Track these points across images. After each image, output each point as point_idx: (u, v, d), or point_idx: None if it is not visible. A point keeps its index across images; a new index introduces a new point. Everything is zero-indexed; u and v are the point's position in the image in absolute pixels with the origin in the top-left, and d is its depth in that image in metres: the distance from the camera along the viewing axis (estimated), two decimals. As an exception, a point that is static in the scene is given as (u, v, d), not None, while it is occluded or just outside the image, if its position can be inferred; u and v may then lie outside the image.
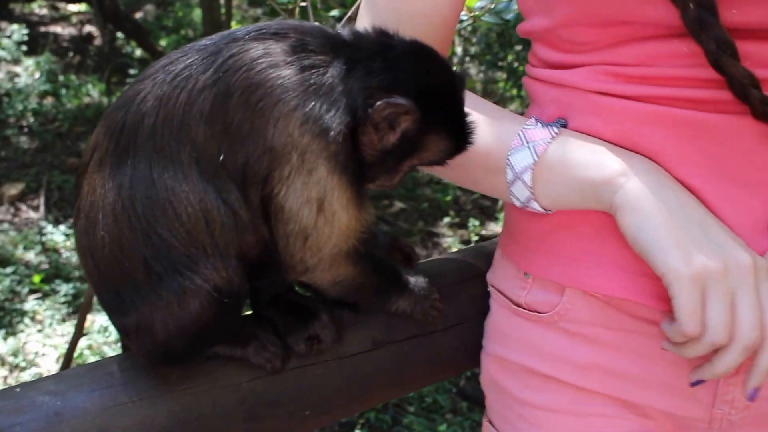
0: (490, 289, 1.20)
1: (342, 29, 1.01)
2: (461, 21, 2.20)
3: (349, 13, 2.09)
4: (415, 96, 0.93)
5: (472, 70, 6.40)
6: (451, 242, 5.53)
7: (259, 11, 6.62)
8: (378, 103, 0.92)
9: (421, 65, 0.97)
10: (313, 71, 0.93)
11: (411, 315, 1.10)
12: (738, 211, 0.95)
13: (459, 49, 5.88)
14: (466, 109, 1.00)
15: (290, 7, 2.13)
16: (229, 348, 1.02)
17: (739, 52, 0.89)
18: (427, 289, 1.11)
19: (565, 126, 1.01)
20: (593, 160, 0.96)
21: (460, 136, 1.00)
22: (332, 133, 0.93)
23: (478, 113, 1.04)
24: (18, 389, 0.96)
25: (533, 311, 1.10)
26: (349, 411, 1.17)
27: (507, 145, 1.00)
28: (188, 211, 0.91)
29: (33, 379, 0.99)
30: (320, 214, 0.96)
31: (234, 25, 7.09)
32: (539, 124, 1.00)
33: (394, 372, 1.13)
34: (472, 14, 2.12)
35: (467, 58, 6.15)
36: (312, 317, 1.06)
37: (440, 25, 1.11)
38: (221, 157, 0.92)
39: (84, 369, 0.99)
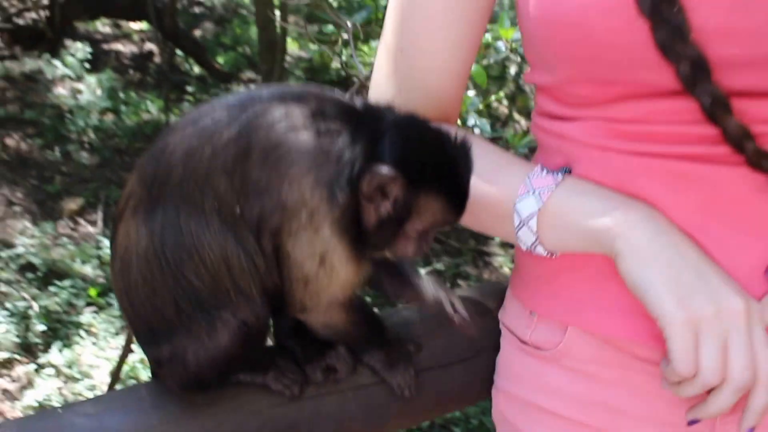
0: (501, 326, 1.26)
1: (356, 98, 1.08)
2: (499, 51, 2.29)
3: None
4: (402, 164, 0.98)
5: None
6: (502, 261, 5.57)
7: (314, 27, 6.73)
8: (365, 176, 0.98)
9: (411, 135, 1.02)
10: (327, 137, 1.00)
11: (379, 375, 1.16)
12: (735, 257, 1.00)
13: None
14: (474, 166, 1.05)
15: (333, 38, 2.24)
16: (251, 375, 1.10)
17: (733, 109, 0.94)
18: (404, 363, 1.17)
19: (569, 173, 1.06)
20: (595, 208, 1.01)
21: (455, 198, 1.04)
22: (338, 200, 1.00)
23: (487, 160, 1.10)
24: (60, 410, 1.06)
25: (537, 348, 1.16)
26: (364, 438, 1.24)
27: (514, 192, 1.06)
28: (211, 258, 1.00)
29: (73, 402, 1.09)
30: (321, 267, 1.03)
31: (289, 42, 7.20)
32: (545, 171, 1.05)
33: (406, 402, 1.19)
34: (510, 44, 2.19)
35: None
36: (330, 348, 1.14)
37: (451, 79, 1.18)
38: (239, 209, 1.00)
39: (118, 393, 1.09)
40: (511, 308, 1.24)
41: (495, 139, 3.72)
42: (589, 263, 1.08)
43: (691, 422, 1.01)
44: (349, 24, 2.01)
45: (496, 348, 1.25)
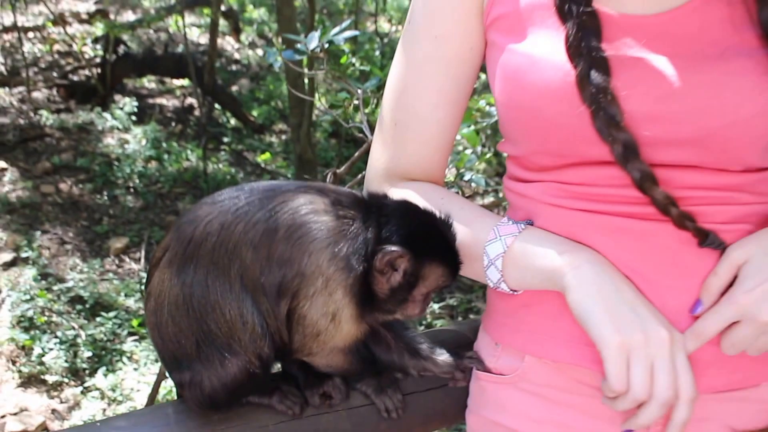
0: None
1: (364, 193, 1.21)
2: (492, 115, 2.38)
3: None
4: (407, 243, 1.11)
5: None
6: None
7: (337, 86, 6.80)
8: (378, 254, 1.11)
9: (410, 217, 1.15)
10: (343, 221, 1.12)
11: (370, 400, 1.25)
12: (665, 297, 1.08)
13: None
14: (454, 219, 1.17)
15: (346, 103, 2.34)
16: (259, 397, 1.20)
17: (659, 178, 1.03)
18: (392, 389, 1.26)
19: (531, 224, 1.16)
20: (549, 252, 1.10)
21: (451, 263, 1.17)
22: (352, 270, 1.11)
23: (465, 212, 1.20)
24: (98, 424, 1.15)
25: (500, 374, 1.23)
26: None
27: (485, 237, 1.15)
28: (231, 314, 1.11)
29: (108, 417, 1.19)
30: (332, 323, 1.14)
31: (317, 99, 7.24)
32: (510, 222, 1.15)
33: (393, 421, 1.26)
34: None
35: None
36: (328, 378, 1.24)
37: (437, 149, 1.28)
38: (262, 277, 1.11)
39: (147, 410, 1.19)
40: (482, 340, 1.31)
41: (488, 191, 3.81)
42: (544, 301, 1.16)
43: None
44: (359, 91, 2.11)
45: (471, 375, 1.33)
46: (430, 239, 1.16)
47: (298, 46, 2.07)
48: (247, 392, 1.18)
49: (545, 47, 1.08)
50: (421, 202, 1.18)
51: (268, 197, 1.14)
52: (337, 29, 2.06)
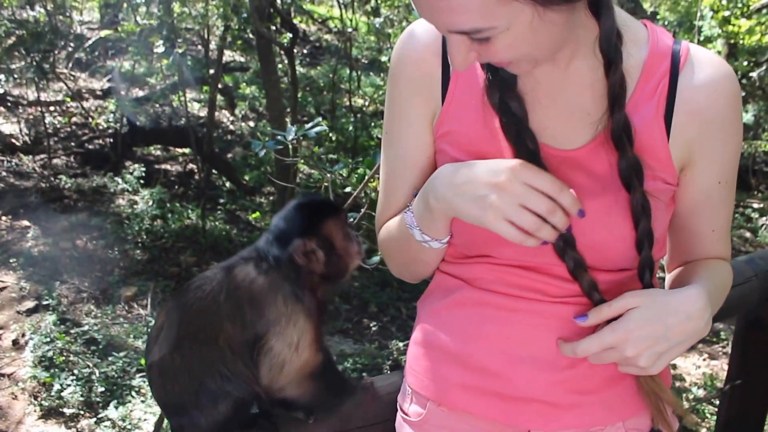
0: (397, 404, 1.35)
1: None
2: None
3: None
4: (292, 233, 1.23)
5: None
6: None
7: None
8: (293, 257, 1.21)
9: (294, 219, 1.26)
10: (268, 270, 1.22)
11: (343, 404, 1.37)
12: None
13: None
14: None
15: (318, 183, 2.58)
16: (241, 429, 1.31)
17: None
18: (365, 386, 1.40)
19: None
20: (420, 198, 1.12)
21: (329, 209, 1.28)
22: (297, 297, 1.21)
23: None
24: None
25: (410, 417, 1.26)
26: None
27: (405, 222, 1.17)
28: (227, 374, 1.22)
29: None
30: (295, 352, 1.22)
31: (300, 164, 7.27)
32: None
33: None
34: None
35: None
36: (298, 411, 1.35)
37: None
38: (243, 337, 1.21)
39: None
40: (403, 387, 1.33)
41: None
42: (443, 348, 1.19)
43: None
44: (328, 175, 2.34)
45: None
46: (309, 216, 1.26)
47: (279, 137, 2.30)
48: (234, 427, 1.29)
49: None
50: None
51: (223, 280, 1.24)
52: (310, 125, 2.29)
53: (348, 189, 2.80)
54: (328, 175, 2.32)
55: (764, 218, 7.90)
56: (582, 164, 1.08)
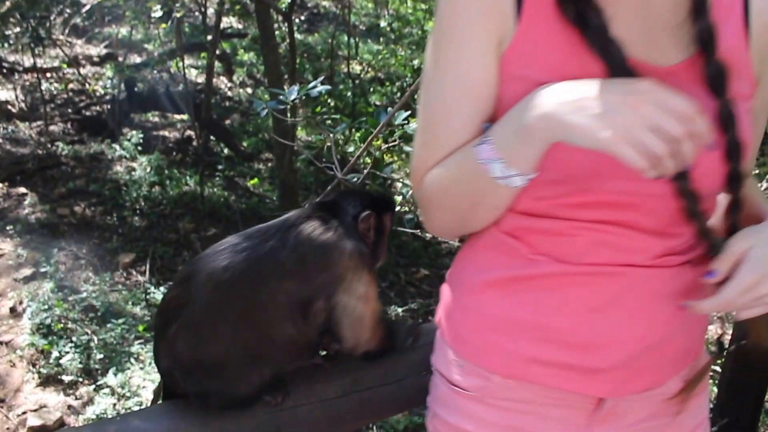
0: (433, 368, 1.25)
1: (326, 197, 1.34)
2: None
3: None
4: (370, 207, 1.31)
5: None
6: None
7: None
8: (360, 217, 1.29)
9: (363, 199, 1.34)
10: (333, 226, 1.25)
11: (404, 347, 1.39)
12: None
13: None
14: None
15: (320, 144, 2.45)
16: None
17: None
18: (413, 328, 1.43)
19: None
20: (513, 117, 0.97)
21: (391, 208, 1.38)
22: (362, 253, 1.25)
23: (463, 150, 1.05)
24: (118, 418, 1.25)
25: (465, 390, 1.16)
26: (331, 436, 1.38)
27: (475, 157, 1.01)
28: (279, 334, 1.23)
29: (129, 412, 1.27)
30: (366, 304, 1.24)
31: (299, 131, 7.23)
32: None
33: (359, 410, 1.35)
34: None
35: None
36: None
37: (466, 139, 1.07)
38: (304, 294, 1.21)
39: (157, 407, 1.26)
40: (442, 354, 1.22)
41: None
42: (510, 322, 1.12)
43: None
44: (331, 136, 2.22)
45: (417, 375, 1.35)
46: (376, 202, 1.34)
47: (281, 97, 2.17)
48: (261, 395, 1.26)
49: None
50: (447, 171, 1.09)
51: (285, 233, 1.23)
52: (312, 84, 2.17)
53: (351, 149, 2.67)
54: (331, 135, 2.18)
55: None
56: (680, 83, 0.95)
